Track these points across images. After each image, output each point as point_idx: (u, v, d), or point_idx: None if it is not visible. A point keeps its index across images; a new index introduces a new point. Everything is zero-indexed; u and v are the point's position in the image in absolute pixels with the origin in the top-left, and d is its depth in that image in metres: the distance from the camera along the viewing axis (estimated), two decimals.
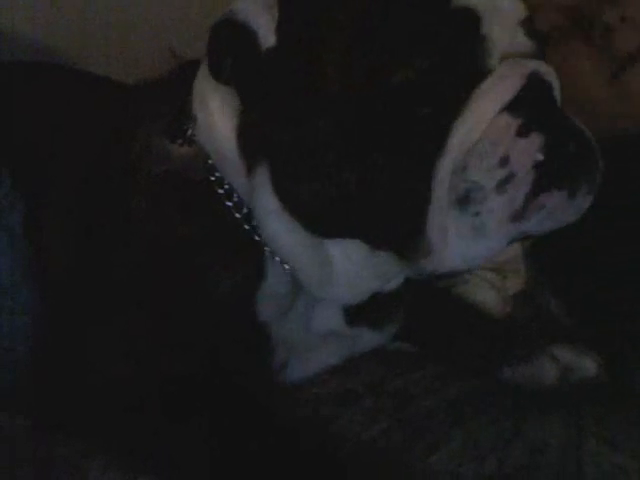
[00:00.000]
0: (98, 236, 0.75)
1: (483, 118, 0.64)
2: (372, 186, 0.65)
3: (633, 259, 0.91)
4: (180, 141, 0.72)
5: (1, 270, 0.78)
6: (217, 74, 0.67)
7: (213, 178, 0.72)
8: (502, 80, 0.64)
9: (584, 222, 0.88)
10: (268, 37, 0.66)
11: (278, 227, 0.69)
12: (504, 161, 0.63)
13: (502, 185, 0.63)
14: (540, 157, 0.64)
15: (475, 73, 0.64)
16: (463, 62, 0.64)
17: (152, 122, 0.73)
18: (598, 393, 0.79)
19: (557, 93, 0.68)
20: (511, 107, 0.64)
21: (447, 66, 0.63)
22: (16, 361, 0.77)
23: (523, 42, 0.67)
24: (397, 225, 0.66)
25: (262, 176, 0.68)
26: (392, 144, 0.64)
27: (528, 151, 0.63)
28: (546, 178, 0.64)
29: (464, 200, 0.64)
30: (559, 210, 0.66)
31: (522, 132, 0.64)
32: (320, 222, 0.68)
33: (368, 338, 0.82)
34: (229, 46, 0.66)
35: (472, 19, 0.64)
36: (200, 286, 0.72)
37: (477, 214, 0.64)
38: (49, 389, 0.74)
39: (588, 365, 0.81)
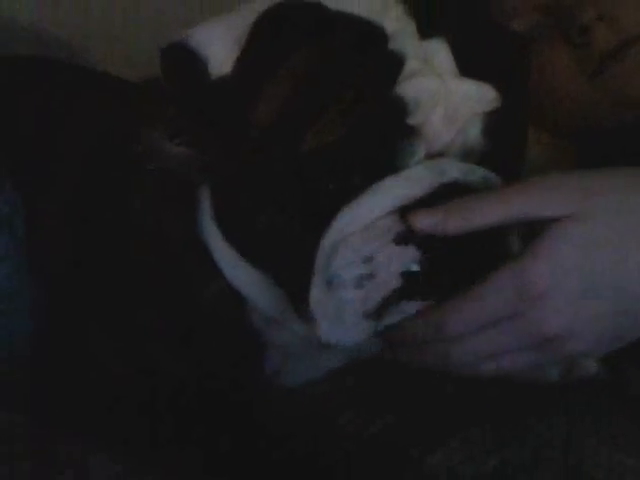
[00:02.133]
0: (97, 232, 0.75)
1: (366, 214, 0.60)
2: (270, 238, 0.64)
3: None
4: (177, 141, 0.72)
5: (4, 274, 0.77)
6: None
7: None
8: (405, 181, 0.60)
9: None
10: (222, 66, 0.64)
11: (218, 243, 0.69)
12: (367, 260, 0.60)
13: (360, 281, 0.61)
14: (414, 268, 0.60)
15: (389, 165, 0.61)
16: (382, 146, 0.61)
17: (154, 121, 0.73)
18: (598, 391, 0.79)
19: None
20: (407, 212, 0.60)
21: (361, 148, 0.60)
22: (16, 359, 0.77)
23: (472, 139, 0.63)
24: (290, 283, 0.65)
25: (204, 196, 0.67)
26: (293, 205, 0.62)
27: (398, 259, 0.60)
28: (415, 287, 0.61)
29: (329, 283, 0.62)
30: None
31: (399, 240, 0.60)
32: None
33: (370, 343, 0.81)
34: (173, 70, 0.65)
35: (400, 108, 0.60)
36: (187, 287, 0.71)
37: (338, 300, 0.62)
38: (49, 386, 0.73)
39: (589, 363, 0.81)
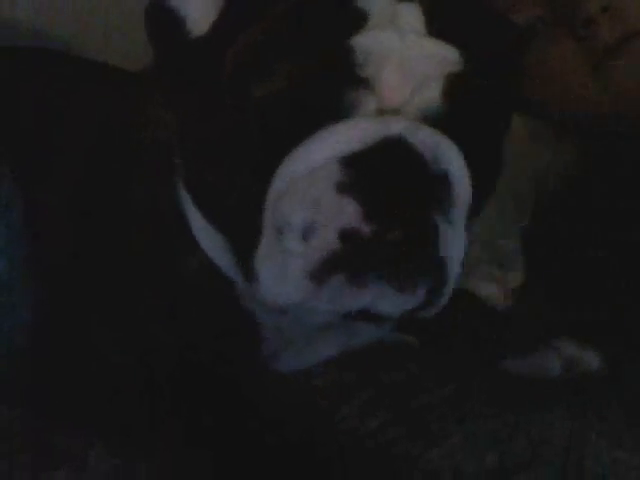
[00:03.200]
0: (98, 224, 0.75)
1: (311, 159, 0.59)
2: (229, 196, 0.63)
3: (628, 254, 0.91)
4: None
5: (1, 267, 0.77)
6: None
7: None
8: (350, 129, 0.58)
9: (581, 219, 0.88)
10: (200, 25, 0.63)
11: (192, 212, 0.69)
12: (314, 203, 0.58)
13: (306, 231, 0.58)
14: (351, 225, 0.57)
15: (337, 112, 0.59)
16: (328, 95, 0.59)
17: (158, 112, 0.73)
18: (600, 387, 0.79)
19: (429, 166, 0.59)
20: (349, 162, 0.58)
21: (309, 96, 0.59)
22: (15, 353, 0.76)
23: (430, 101, 0.60)
24: (242, 241, 0.63)
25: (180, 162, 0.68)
26: (241, 154, 0.61)
27: (338, 211, 0.57)
28: (354, 258, 0.57)
29: (279, 232, 0.60)
30: (380, 299, 0.60)
31: (339, 189, 0.58)
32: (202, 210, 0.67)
33: (366, 330, 0.81)
34: (155, 30, 0.65)
35: (350, 58, 0.59)
36: (171, 260, 0.71)
37: (284, 252, 0.59)
38: (49, 378, 0.73)
39: (591, 359, 0.81)
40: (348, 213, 0.57)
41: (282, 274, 0.60)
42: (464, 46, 0.61)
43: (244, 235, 0.63)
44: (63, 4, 1.18)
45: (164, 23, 0.64)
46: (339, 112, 0.59)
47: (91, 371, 0.72)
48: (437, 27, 0.62)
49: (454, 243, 0.60)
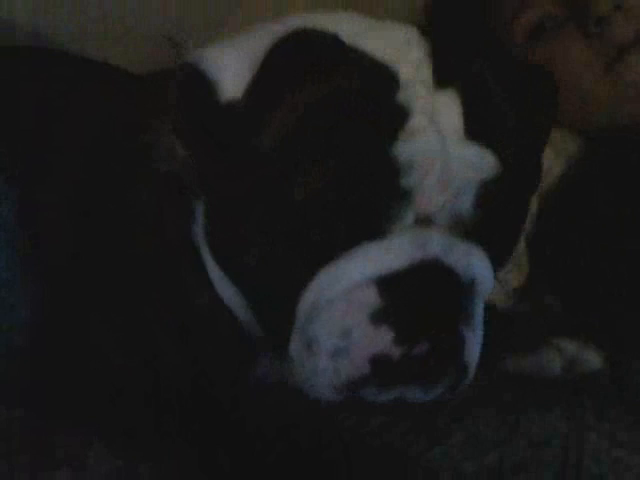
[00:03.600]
0: (99, 224, 0.75)
1: (345, 279, 0.59)
2: (254, 271, 0.62)
3: (631, 255, 0.91)
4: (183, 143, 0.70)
5: None
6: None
7: None
8: (386, 251, 0.58)
9: (584, 220, 0.88)
10: (233, 89, 0.61)
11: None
12: (345, 333, 0.59)
13: (335, 353, 0.59)
14: (382, 352, 0.58)
15: (376, 225, 0.59)
16: (367, 207, 0.58)
17: (163, 118, 0.72)
18: (599, 387, 0.79)
19: (468, 287, 0.60)
20: (385, 286, 0.58)
21: (349, 205, 0.58)
22: (14, 352, 0.76)
23: (463, 207, 0.60)
24: (269, 324, 0.64)
25: (199, 208, 0.67)
26: (280, 247, 0.60)
27: (371, 341, 0.58)
28: (385, 375, 0.59)
29: (308, 346, 0.61)
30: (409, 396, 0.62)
31: (374, 319, 0.58)
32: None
33: None
34: (184, 92, 0.63)
35: (394, 169, 0.58)
36: (182, 292, 0.71)
37: (314, 364, 0.60)
38: (48, 378, 0.73)
39: (593, 358, 0.81)
40: (381, 342, 0.58)
41: (313, 377, 0.61)
42: (499, 144, 0.61)
43: (272, 323, 0.64)
44: (63, 4, 1.17)
45: (195, 86, 0.62)
46: (377, 225, 0.59)
47: (91, 371, 0.72)
48: (474, 121, 0.61)
49: (476, 347, 0.62)
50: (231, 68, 0.62)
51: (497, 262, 0.64)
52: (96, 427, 0.70)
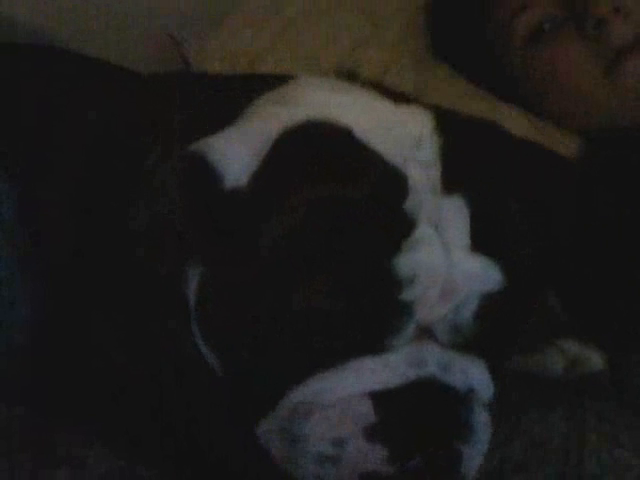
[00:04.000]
0: (101, 222, 0.75)
1: (341, 388, 0.58)
2: (241, 362, 0.62)
3: (631, 256, 0.91)
4: None
5: None
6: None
7: None
8: (383, 367, 0.58)
9: (585, 221, 0.88)
10: (237, 177, 0.61)
11: None
12: (338, 443, 0.59)
13: (322, 459, 0.59)
14: (373, 468, 0.58)
15: (374, 339, 0.58)
16: (368, 320, 0.58)
17: (175, 128, 0.70)
18: (600, 388, 0.79)
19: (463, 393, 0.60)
20: (381, 402, 0.58)
21: (348, 317, 0.58)
22: (15, 350, 0.76)
23: (464, 319, 0.59)
24: (244, 398, 0.64)
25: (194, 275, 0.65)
26: (272, 341, 0.60)
27: (364, 458, 0.58)
28: None
29: (293, 441, 0.60)
30: None
31: (369, 434, 0.58)
32: None
33: None
34: (190, 181, 0.62)
35: (395, 283, 0.57)
36: (172, 338, 0.70)
37: (297, 461, 0.60)
38: (49, 376, 0.73)
39: (594, 359, 0.82)
40: (375, 459, 0.58)
41: (294, 471, 0.61)
42: (505, 255, 0.60)
43: (246, 398, 0.63)
44: (63, 4, 1.17)
45: (199, 173, 0.61)
46: (376, 337, 0.58)
47: (92, 370, 0.72)
48: (480, 231, 0.60)
49: (475, 460, 0.62)
50: (236, 156, 0.61)
51: (496, 366, 0.63)
52: (96, 426, 0.70)
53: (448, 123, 0.65)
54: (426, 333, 0.59)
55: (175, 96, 0.77)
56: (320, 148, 0.61)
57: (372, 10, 1.27)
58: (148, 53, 1.26)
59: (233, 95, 0.73)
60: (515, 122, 1.06)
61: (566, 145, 1.06)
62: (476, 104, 1.09)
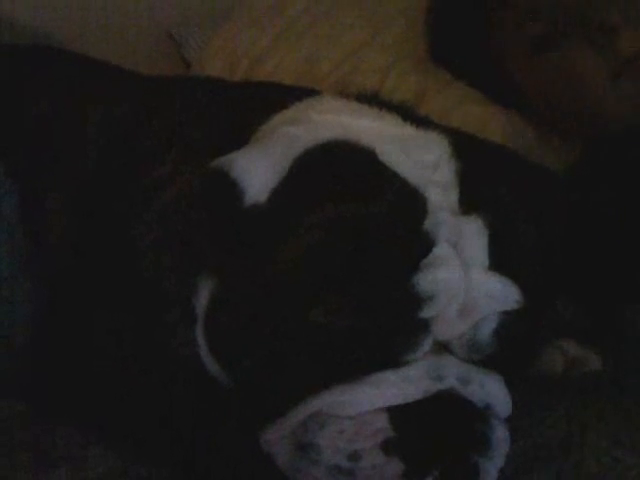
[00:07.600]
0: (104, 224, 0.75)
1: (359, 402, 0.58)
2: (251, 372, 0.62)
3: (632, 256, 0.91)
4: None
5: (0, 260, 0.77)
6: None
7: None
8: (402, 381, 0.58)
9: (589, 220, 0.88)
10: (258, 194, 0.62)
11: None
12: (353, 456, 0.58)
13: (336, 471, 0.59)
14: None
15: (393, 355, 0.59)
16: (387, 337, 0.58)
17: (189, 143, 0.71)
18: (600, 388, 0.79)
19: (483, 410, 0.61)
20: (399, 415, 0.58)
21: (367, 334, 0.58)
22: (16, 349, 0.76)
23: (483, 337, 0.60)
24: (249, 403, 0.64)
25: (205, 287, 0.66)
26: (287, 354, 0.60)
27: (380, 472, 0.58)
28: None
29: (303, 449, 0.60)
30: None
31: (385, 448, 0.58)
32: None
33: None
34: (212, 197, 0.63)
35: (414, 301, 0.58)
36: (169, 337, 0.70)
37: (309, 469, 0.60)
38: (50, 376, 0.73)
39: (594, 359, 0.82)
40: (390, 473, 0.58)
41: (298, 469, 0.60)
42: (522, 274, 0.61)
43: (251, 403, 0.63)
44: (63, 4, 1.18)
45: (224, 191, 0.62)
46: (395, 353, 0.59)
47: (93, 369, 0.72)
48: (498, 250, 0.61)
49: (492, 475, 0.62)
50: (257, 173, 0.62)
51: (513, 381, 0.64)
52: (96, 426, 0.70)
53: (465, 147, 0.66)
54: (444, 349, 0.60)
55: (188, 105, 0.78)
56: (343, 166, 0.62)
57: (373, 12, 1.27)
58: (148, 53, 1.26)
59: (250, 108, 0.74)
60: (515, 127, 1.07)
61: (565, 151, 1.06)
62: (477, 108, 1.09)
